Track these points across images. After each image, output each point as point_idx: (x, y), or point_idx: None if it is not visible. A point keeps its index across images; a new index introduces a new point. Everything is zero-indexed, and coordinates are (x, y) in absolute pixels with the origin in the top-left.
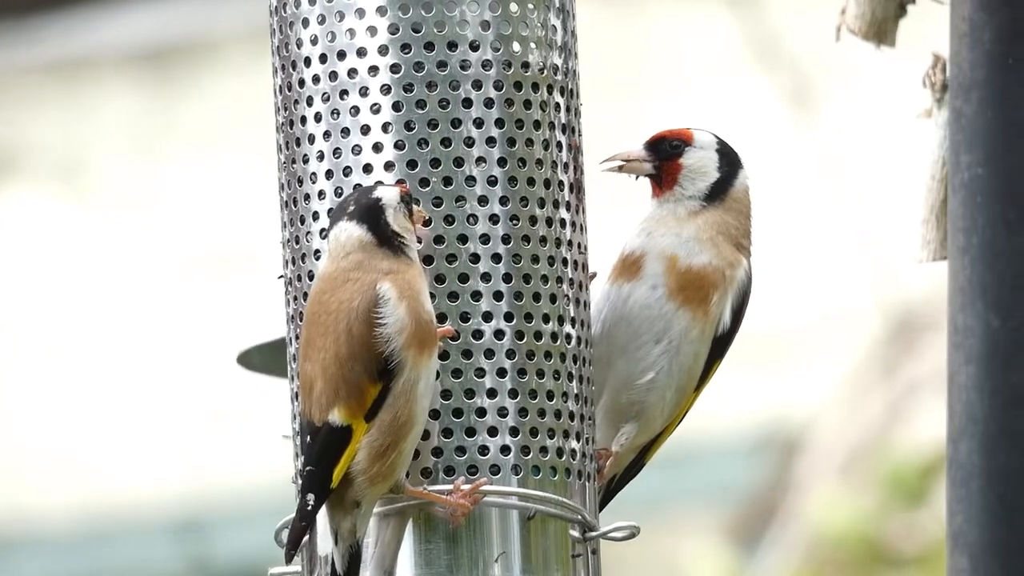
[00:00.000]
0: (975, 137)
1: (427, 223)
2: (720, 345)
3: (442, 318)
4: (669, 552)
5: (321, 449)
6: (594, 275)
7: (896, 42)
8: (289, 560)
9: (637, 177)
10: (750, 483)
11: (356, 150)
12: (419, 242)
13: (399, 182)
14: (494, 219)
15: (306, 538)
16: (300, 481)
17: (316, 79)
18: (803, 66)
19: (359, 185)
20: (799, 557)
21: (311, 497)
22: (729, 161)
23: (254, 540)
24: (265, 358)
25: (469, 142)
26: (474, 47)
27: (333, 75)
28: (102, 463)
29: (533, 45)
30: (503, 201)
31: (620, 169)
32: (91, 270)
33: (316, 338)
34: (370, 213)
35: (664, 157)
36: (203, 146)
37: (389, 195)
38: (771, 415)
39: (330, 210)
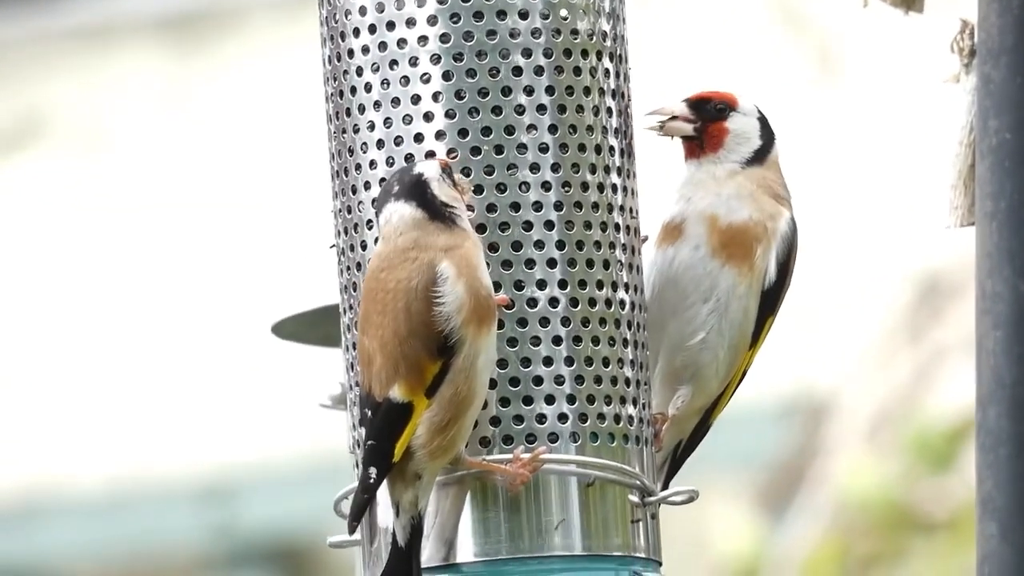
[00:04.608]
0: (1003, 102)
1: (477, 190)
2: (770, 299)
3: (496, 287)
4: (697, 518)
5: (382, 424)
6: (645, 239)
7: (924, 8)
8: (352, 531)
9: (673, 137)
10: (777, 449)
11: (407, 120)
12: (471, 210)
13: (449, 152)
14: (546, 186)
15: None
16: (361, 454)
17: (365, 49)
18: (830, 31)
19: (410, 155)
20: (826, 523)
21: (373, 470)
22: (767, 130)
23: (279, 509)
24: (298, 327)
25: (520, 110)
26: (523, 15)
27: (382, 45)
28: (131, 431)
29: (582, 11)
30: (555, 168)
31: (661, 128)
32: (117, 236)
33: (373, 315)
34: (415, 189)
35: (708, 119)
36: (229, 113)
37: (430, 168)
38: (798, 381)
39: (382, 180)
